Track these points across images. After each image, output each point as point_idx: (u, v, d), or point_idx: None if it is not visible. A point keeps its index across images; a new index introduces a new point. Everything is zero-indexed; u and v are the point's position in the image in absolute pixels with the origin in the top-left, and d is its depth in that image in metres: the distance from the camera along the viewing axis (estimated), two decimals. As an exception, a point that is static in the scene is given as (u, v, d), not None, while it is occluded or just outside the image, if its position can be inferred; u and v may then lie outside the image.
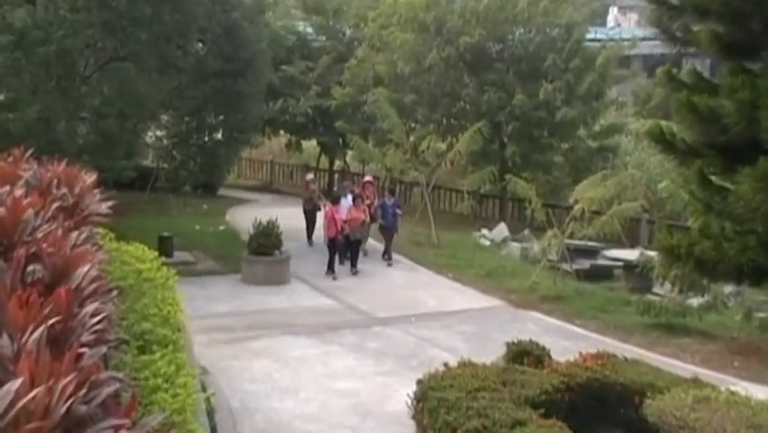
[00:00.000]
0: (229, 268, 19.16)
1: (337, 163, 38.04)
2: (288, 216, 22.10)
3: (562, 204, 25.74)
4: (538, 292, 18.40)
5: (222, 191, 33.05)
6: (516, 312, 17.11)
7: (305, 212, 22.33)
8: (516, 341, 10.96)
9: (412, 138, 27.27)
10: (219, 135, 28.19)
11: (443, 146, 28.27)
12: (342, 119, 31.82)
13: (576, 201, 19.24)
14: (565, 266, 20.11)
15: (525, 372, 9.72)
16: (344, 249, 19.39)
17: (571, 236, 19.54)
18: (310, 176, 24.39)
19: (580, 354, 10.75)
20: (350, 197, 19.95)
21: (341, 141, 34.08)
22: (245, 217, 22.82)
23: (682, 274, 15.12)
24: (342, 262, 19.41)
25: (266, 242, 18.31)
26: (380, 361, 13.11)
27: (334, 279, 18.35)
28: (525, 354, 10.47)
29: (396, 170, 27.33)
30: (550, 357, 10.59)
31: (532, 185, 20.78)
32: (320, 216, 21.15)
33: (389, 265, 20.09)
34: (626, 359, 10.64)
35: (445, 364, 9.96)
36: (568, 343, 14.21)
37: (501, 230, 25.92)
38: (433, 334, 14.95)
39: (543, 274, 19.54)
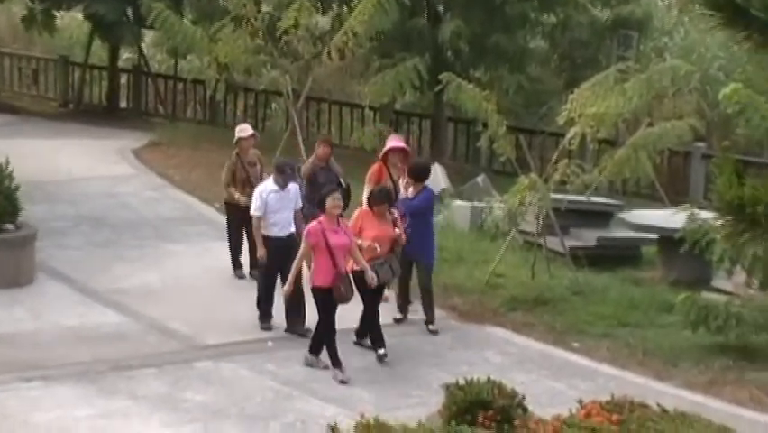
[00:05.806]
0: None
1: (125, 56, 37.67)
2: (34, 157, 21.72)
3: (544, 128, 25.97)
4: (504, 291, 18.69)
5: None
6: (463, 329, 17.37)
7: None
8: (462, 382, 11.04)
9: (266, 8, 27.10)
10: None
11: (323, 21, 28.19)
12: (134, -29, 31.48)
13: (572, 121, 19.38)
14: (553, 242, 20.32)
15: (479, 438, 9.83)
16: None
17: (564, 187, 19.73)
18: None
19: (581, 403, 10.90)
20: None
21: (131, 14, 33.70)
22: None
23: (766, 254, 15.45)
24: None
25: (-14, 206, 18.10)
26: (212, 427, 13.14)
27: (344, 382, 15.33)
28: (479, 407, 10.58)
29: (237, 68, 27.02)
30: (525, 410, 10.72)
31: (490, 93, 20.83)
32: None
33: (433, 333, 17.54)
34: (664, 412, 10.83)
35: (332, 429, 9.99)
36: (559, 384, 14.50)
37: (435, 177, 26.03)
38: (307, 371, 15.10)
39: (512, 258, 19.77)
